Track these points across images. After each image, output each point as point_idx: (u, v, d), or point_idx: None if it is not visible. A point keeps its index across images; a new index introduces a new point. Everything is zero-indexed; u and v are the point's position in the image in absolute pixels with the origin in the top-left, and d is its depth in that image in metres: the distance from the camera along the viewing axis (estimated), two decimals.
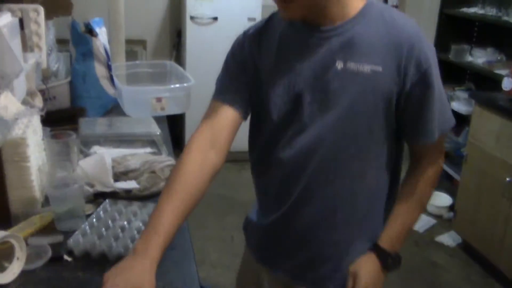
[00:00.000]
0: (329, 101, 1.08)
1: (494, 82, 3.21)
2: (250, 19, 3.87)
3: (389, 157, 1.17)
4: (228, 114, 1.16)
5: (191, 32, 3.90)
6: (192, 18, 3.83)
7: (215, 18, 3.86)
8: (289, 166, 1.16)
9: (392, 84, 1.06)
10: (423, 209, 1.26)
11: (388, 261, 1.19)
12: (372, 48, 1.05)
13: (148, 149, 1.74)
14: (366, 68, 1.05)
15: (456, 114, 3.50)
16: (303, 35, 1.10)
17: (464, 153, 3.18)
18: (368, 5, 1.08)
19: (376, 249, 1.20)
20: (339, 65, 1.06)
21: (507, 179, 2.72)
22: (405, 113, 1.10)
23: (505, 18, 3.37)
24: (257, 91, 1.17)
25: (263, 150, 1.22)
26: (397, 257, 1.21)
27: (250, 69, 1.17)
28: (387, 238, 1.20)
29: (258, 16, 3.90)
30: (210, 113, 1.18)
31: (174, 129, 3.87)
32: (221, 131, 1.15)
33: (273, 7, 1.09)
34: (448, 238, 3.30)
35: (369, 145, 1.12)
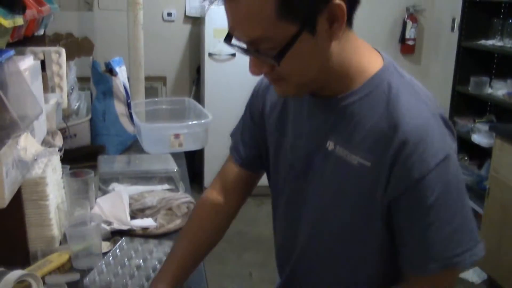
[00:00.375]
0: (314, 180, 0.98)
1: None
2: None
3: (388, 263, 0.96)
4: (238, 174, 1.15)
5: (210, 69, 3.96)
6: (210, 55, 3.89)
7: (233, 55, 3.91)
8: (283, 234, 1.12)
9: (378, 185, 0.86)
10: None
11: None
12: (365, 137, 0.87)
13: (166, 186, 1.76)
14: (354, 159, 0.88)
15: (477, 147, 3.51)
16: (305, 103, 0.99)
17: (486, 186, 3.12)
18: (378, 74, 0.89)
19: None
20: (330, 146, 0.93)
21: None
22: (395, 225, 0.89)
23: None
24: (265, 146, 1.12)
25: (273, 203, 1.17)
26: None
27: (260, 124, 1.11)
28: None
29: None
30: (223, 168, 1.19)
31: (193, 165, 3.90)
32: (232, 190, 1.16)
33: None
34: (473, 275, 3.20)
35: (349, 244, 0.96)
